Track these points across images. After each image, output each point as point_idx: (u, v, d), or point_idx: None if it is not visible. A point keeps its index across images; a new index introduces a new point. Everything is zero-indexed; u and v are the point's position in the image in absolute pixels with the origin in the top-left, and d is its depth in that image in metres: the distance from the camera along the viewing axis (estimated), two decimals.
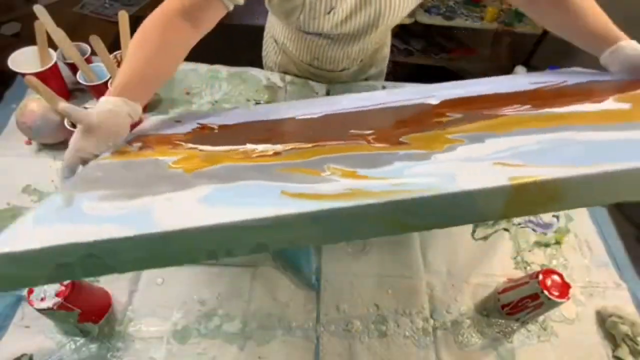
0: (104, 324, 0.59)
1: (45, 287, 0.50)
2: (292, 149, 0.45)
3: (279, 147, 0.46)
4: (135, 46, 0.54)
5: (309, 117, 0.57)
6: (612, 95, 0.52)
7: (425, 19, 1.77)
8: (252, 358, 0.59)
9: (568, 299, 0.58)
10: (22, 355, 0.55)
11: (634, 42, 0.56)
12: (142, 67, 0.53)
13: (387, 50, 1.01)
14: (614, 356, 0.63)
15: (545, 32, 1.76)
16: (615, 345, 0.64)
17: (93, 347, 0.57)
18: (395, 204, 0.32)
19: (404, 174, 0.36)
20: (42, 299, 0.49)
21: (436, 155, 0.39)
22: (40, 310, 0.50)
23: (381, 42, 0.94)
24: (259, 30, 1.06)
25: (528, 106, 0.51)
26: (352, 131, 0.49)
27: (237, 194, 0.36)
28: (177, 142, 0.51)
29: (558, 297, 0.57)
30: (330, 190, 0.35)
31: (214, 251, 0.33)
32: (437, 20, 1.80)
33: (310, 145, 0.46)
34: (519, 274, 0.71)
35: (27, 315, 0.58)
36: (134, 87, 0.53)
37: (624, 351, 0.63)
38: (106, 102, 0.50)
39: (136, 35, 0.55)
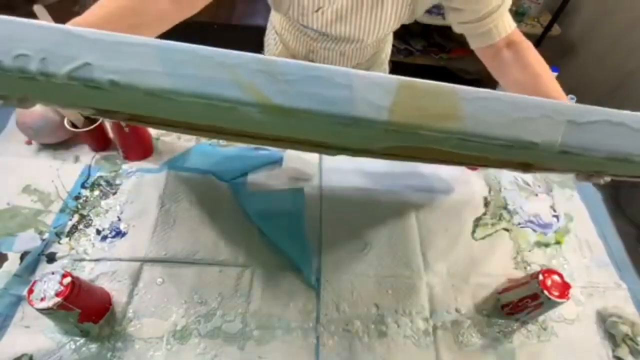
0: (104, 324, 0.59)
1: (45, 287, 0.50)
2: None
3: None
4: (104, 2, 0.50)
5: None
6: None
7: (425, 18, 1.77)
8: (252, 358, 0.59)
9: (568, 299, 0.58)
10: (22, 355, 0.55)
11: None
12: (100, 21, 0.48)
13: (385, 56, 1.01)
14: (614, 356, 0.63)
15: (545, 32, 1.75)
16: (615, 345, 0.64)
17: (93, 347, 0.57)
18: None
19: None
20: (42, 299, 0.49)
21: None
22: (40, 310, 0.50)
23: (379, 47, 0.94)
24: (259, 30, 1.06)
25: None
26: None
27: None
28: None
29: (558, 297, 0.57)
30: None
31: None
32: (437, 20, 1.79)
33: None
34: (519, 274, 0.71)
35: (27, 315, 0.58)
36: None
37: (624, 351, 0.63)
38: None
39: None
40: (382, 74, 0.29)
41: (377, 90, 0.29)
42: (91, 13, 0.49)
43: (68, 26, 0.28)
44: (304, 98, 0.29)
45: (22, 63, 0.27)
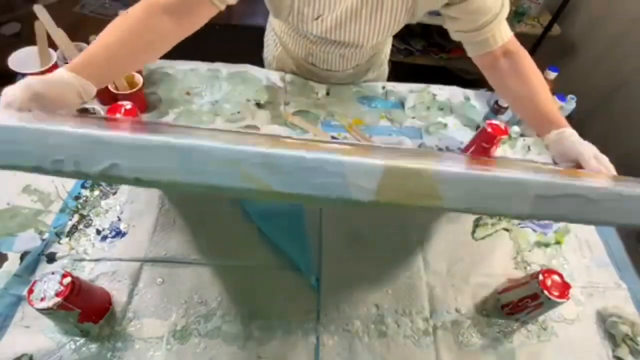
0: (104, 324, 0.59)
1: (45, 287, 0.50)
2: None
3: None
4: (112, 27, 0.53)
5: None
6: None
7: (425, 19, 1.77)
8: (252, 358, 0.59)
9: (568, 299, 0.58)
10: (22, 355, 0.55)
11: (575, 134, 0.59)
12: (110, 49, 0.51)
13: (384, 56, 1.01)
14: (614, 356, 0.64)
15: (545, 32, 1.75)
16: (615, 345, 0.64)
17: (93, 347, 0.57)
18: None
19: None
20: (42, 299, 0.49)
21: None
22: (40, 310, 0.50)
23: (379, 48, 0.94)
24: (259, 30, 1.06)
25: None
26: None
27: None
28: None
29: (558, 297, 0.57)
30: None
31: None
32: (437, 20, 1.79)
33: None
34: (519, 274, 0.71)
35: (27, 315, 0.58)
36: (93, 66, 0.50)
37: (624, 351, 0.63)
38: (57, 75, 0.47)
39: (117, 18, 0.54)
40: (369, 160, 0.33)
41: (365, 175, 0.33)
42: (108, 34, 0.53)
43: (97, 131, 0.33)
44: (301, 185, 0.33)
45: (59, 167, 0.32)
